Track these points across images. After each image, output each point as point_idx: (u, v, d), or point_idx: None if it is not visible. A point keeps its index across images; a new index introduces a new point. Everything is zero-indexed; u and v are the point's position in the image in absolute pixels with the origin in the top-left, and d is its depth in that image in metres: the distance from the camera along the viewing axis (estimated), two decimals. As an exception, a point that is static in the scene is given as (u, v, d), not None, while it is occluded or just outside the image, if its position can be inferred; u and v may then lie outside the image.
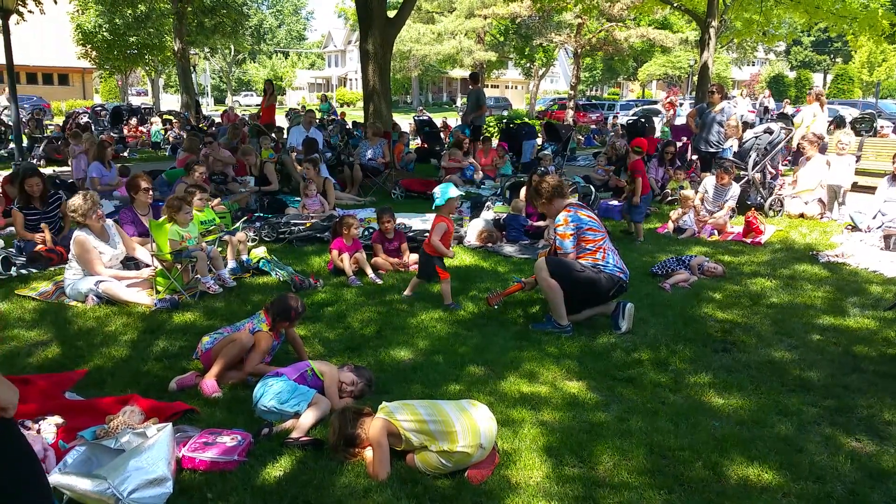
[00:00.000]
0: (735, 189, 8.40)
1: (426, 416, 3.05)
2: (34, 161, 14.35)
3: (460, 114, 15.37)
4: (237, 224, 7.01)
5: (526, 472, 3.03)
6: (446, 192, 5.46)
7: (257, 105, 58.02)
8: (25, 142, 16.22)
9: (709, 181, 8.57)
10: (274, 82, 16.87)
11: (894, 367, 4.23)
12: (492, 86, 54.60)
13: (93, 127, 18.63)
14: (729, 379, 4.05)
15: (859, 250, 7.19)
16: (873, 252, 7.12)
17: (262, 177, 10.06)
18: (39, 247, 6.50)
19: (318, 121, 20.69)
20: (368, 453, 3.07)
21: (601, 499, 2.84)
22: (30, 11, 15.79)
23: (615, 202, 9.46)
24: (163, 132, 20.15)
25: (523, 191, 8.23)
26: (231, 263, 6.14)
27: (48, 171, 12.37)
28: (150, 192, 6.52)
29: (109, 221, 5.79)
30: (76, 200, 5.43)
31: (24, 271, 6.20)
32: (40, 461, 2.28)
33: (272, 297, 5.46)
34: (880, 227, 7.57)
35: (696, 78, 20.86)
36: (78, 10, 30.89)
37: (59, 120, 22.53)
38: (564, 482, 2.95)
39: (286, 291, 5.58)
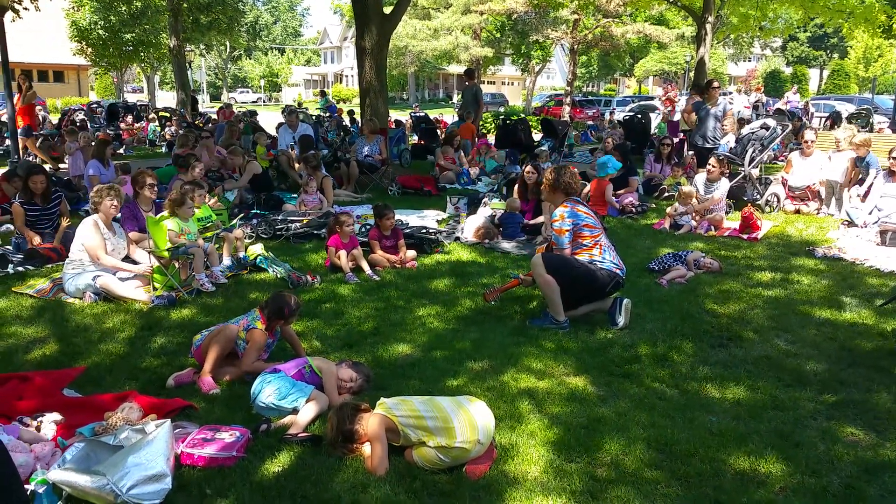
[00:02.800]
0: (723, 183, 8.41)
1: (424, 411, 3.06)
2: (30, 159, 14.28)
3: (456, 110, 15.38)
4: (234, 221, 7.02)
5: (524, 466, 3.04)
6: (613, 162, 7.52)
7: (253, 102, 58.05)
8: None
9: (700, 177, 8.59)
10: (30, 77, 15.07)
11: (891, 362, 4.25)
12: (488, 82, 54.54)
13: (88, 124, 18.57)
14: (726, 374, 4.07)
15: (855, 245, 7.22)
16: (869, 247, 7.15)
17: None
18: (36, 241, 6.49)
19: (313, 117, 20.67)
20: (366, 449, 3.08)
21: (599, 493, 2.86)
22: (25, 9, 15.67)
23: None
24: (159, 129, 20.09)
25: (516, 188, 8.25)
26: (227, 260, 6.13)
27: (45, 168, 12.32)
28: (155, 189, 6.53)
29: (117, 224, 5.84)
30: (101, 186, 5.72)
31: (20, 269, 6.19)
32: (16, 469, 2.29)
33: (269, 294, 5.48)
34: (876, 222, 7.59)
35: (692, 74, 20.86)
36: (73, 7, 30.76)
37: (55, 117, 22.42)
38: (563, 476, 2.96)
39: (283, 289, 5.59)
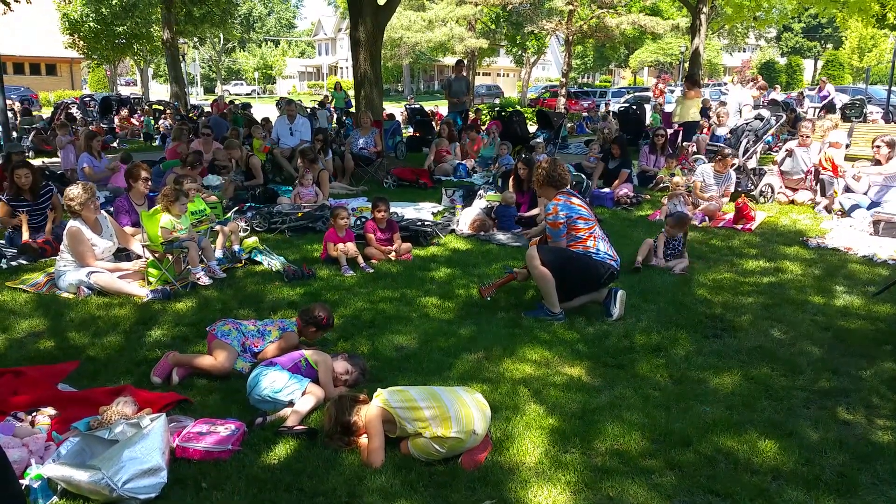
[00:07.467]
0: (732, 175, 8.50)
1: (421, 402, 3.07)
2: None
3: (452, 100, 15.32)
4: (228, 214, 7.00)
5: (519, 457, 3.06)
6: None
7: (247, 94, 57.79)
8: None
9: (707, 168, 8.61)
10: None
11: (882, 351, 4.28)
12: (483, 73, 54.34)
13: (80, 117, 18.44)
14: (720, 364, 4.08)
15: (849, 235, 7.24)
16: (862, 237, 7.18)
17: (249, 171, 9.85)
18: (26, 238, 6.45)
19: (308, 110, 20.52)
20: (364, 441, 3.08)
21: (594, 482, 2.87)
22: (16, 0, 15.54)
23: (607, 189, 9.48)
24: (153, 122, 19.97)
25: (511, 181, 8.24)
26: (218, 253, 6.11)
27: (37, 162, 12.27)
28: (149, 183, 6.48)
29: (103, 213, 5.76)
30: (75, 189, 5.41)
31: (14, 263, 6.16)
32: (9, 462, 2.28)
33: (265, 287, 5.49)
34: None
35: (687, 65, 20.84)
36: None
37: (48, 111, 22.31)
38: (557, 467, 2.98)
39: (279, 278, 5.58)
